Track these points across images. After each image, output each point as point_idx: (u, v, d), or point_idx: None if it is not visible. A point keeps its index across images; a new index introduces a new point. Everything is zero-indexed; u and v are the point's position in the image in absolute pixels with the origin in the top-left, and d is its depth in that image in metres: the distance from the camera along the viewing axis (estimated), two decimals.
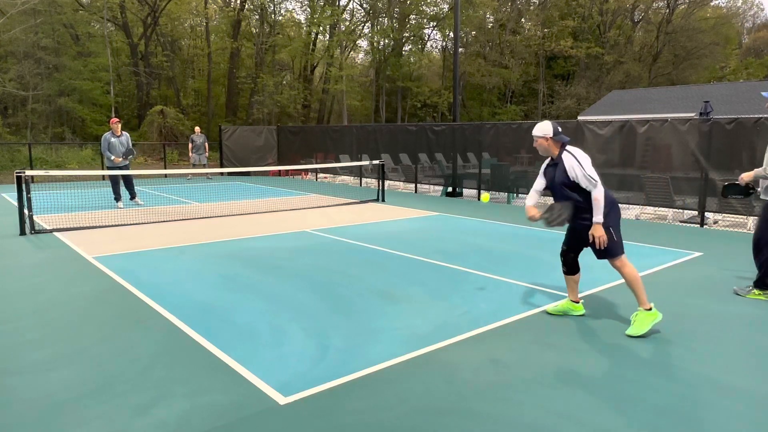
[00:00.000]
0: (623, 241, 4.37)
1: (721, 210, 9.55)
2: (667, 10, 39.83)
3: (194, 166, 18.05)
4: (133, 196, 11.89)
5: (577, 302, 4.72)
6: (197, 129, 18.30)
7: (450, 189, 14.35)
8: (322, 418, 2.99)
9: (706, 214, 9.73)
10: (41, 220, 9.41)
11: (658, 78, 39.91)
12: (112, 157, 11.16)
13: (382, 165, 13.38)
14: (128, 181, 11.77)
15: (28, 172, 8.65)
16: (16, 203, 9.28)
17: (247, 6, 33.80)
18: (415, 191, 15.42)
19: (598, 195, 4.19)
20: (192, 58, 37.47)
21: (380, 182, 13.20)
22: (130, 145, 11.53)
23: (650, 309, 4.28)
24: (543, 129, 4.37)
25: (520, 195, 13.27)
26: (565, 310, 4.73)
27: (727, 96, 23.04)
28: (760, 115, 9.27)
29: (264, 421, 2.95)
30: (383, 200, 12.89)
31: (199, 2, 34.64)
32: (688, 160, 10.02)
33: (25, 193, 8.36)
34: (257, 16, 34.53)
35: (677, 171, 10.33)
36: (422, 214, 10.79)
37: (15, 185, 8.57)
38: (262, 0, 33.06)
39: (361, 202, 12.75)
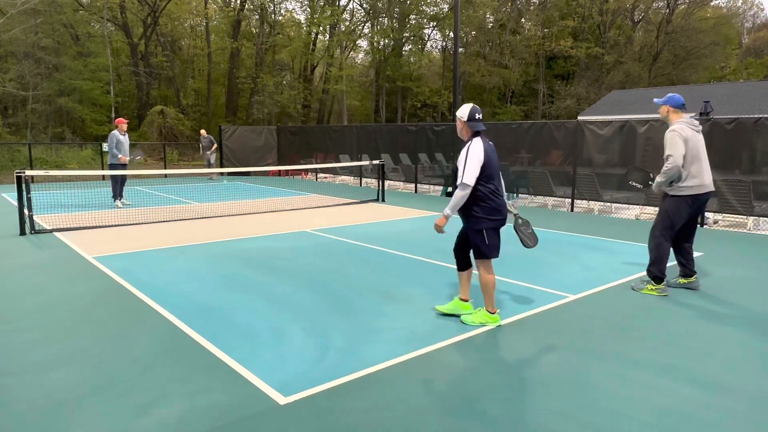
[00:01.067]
0: (499, 250, 4.35)
1: (722, 210, 9.55)
2: (667, 10, 39.78)
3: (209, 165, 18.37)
4: (117, 197, 11.75)
5: (467, 301, 4.62)
6: (203, 132, 18.64)
7: (450, 189, 14.34)
8: (322, 418, 2.99)
9: (706, 214, 9.73)
10: (41, 220, 9.41)
11: (658, 78, 39.87)
12: (119, 156, 11.23)
13: (382, 165, 13.38)
14: (123, 181, 11.84)
15: (28, 172, 8.65)
16: (16, 203, 9.28)
17: (247, 6, 33.81)
18: (415, 191, 15.42)
19: (459, 193, 4.15)
20: (192, 58, 37.47)
21: (380, 182, 13.20)
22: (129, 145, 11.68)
23: (494, 313, 4.43)
24: (461, 110, 4.35)
25: (520, 195, 13.28)
26: (453, 310, 4.62)
27: (727, 96, 23.01)
28: (761, 115, 9.29)
29: (264, 421, 2.95)
30: (383, 200, 12.89)
31: (199, 2, 34.64)
32: None
33: (25, 193, 8.36)
34: (257, 16, 34.52)
35: None
36: (422, 214, 10.79)
37: (15, 185, 8.57)
38: (262, 0, 33.07)
39: (361, 202, 12.75)
